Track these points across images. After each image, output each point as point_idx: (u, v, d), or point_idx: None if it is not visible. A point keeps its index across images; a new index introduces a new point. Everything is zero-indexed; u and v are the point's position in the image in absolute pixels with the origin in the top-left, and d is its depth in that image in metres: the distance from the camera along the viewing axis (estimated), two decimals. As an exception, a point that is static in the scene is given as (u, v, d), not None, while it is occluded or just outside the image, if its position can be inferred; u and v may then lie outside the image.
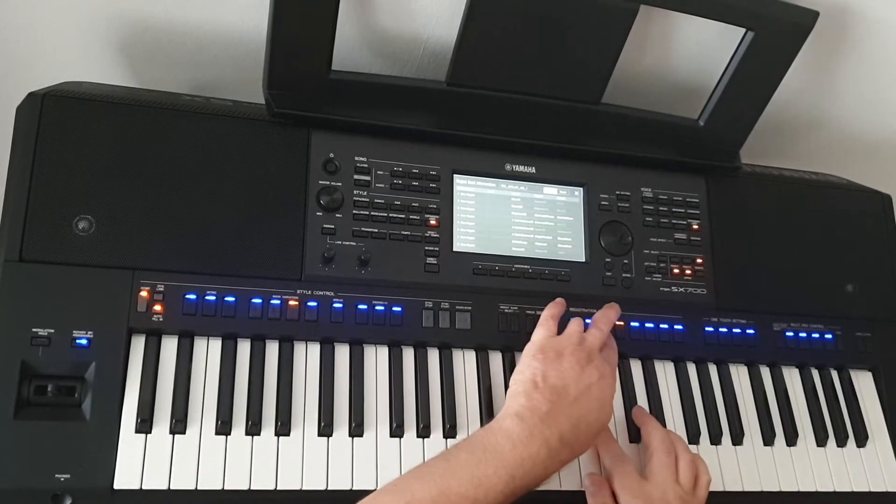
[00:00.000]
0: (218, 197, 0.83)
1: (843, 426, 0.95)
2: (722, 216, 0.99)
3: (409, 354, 0.85)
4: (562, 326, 0.84)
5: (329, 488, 0.76)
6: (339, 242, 0.85)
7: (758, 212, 1.00)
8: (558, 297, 0.87)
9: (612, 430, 0.86)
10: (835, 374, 0.98)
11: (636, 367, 0.91)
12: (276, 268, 0.82)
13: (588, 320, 0.87)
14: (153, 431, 0.75)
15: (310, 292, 0.83)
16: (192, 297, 0.79)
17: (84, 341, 0.75)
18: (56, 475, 0.70)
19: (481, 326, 0.86)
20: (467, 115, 0.92)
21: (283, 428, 0.77)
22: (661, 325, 0.92)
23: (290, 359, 0.81)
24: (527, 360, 0.79)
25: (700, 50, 0.98)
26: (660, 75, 1.01)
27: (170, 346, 0.79)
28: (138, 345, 0.77)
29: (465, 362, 0.86)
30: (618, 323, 0.90)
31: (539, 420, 0.73)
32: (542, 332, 0.83)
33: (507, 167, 0.93)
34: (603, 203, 0.95)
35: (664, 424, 0.88)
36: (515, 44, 0.88)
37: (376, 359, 0.84)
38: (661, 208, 0.96)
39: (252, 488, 0.75)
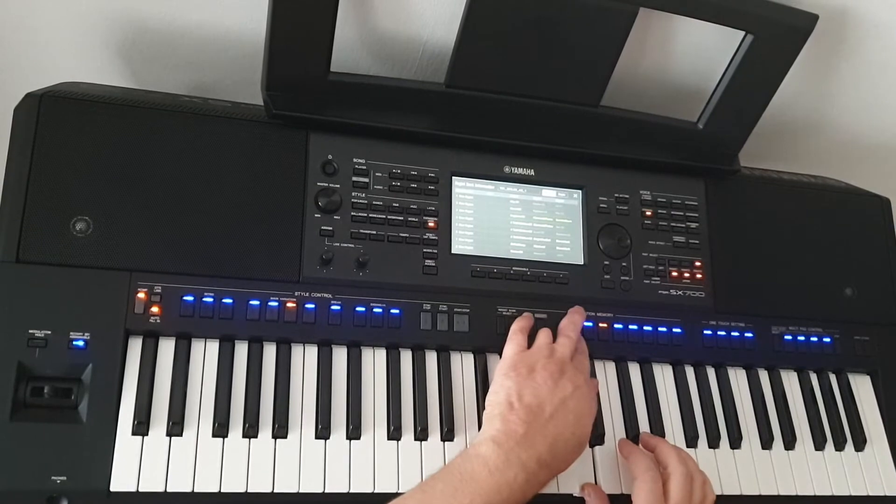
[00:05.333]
0: (216, 198, 0.82)
1: (841, 430, 0.95)
2: (721, 219, 0.99)
3: (406, 357, 0.85)
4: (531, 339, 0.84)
5: (326, 491, 0.76)
6: (338, 244, 0.85)
7: (757, 215, 1.00)
8: (525, 312, 0.87)
9: (610, 432, 0.86)
10: (833, 378, 0.98)
11: (634, 371, 0.91)
12: (273, 270, 0.82)
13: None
14: (150, 434, 0.74)
15: (308, 294, 0.82)
16: (190, 298, 0.79)
17: (81, 343, 0.75)
18: (52, 477, 0.70)
19: (479, 329, 0.86)
20: (466, 118, 0.92)
21: (280, 430, 0.77)
22: (660, 329, 0.92)
23: (288, 361, 0.81)
24: (500, 380, 0.78)
25: (699, 53, 0.97)
26: (659, 78, 1.01)
27: (167, 347, 0.79)
28: (135, 346, 0.77)
29: (463, 365, 0.86)
30: (616, 326, 0.90)
31: (516, 444, 0.72)
32: (512, 347, 0.82)
33: (506, 169, 0.93)
34: (602, 206, 0.94)
35: (663, 428, 0.88)
36: (514, 46, 0.88)
37: (374, 361, 0.84)
38: (659, 211, 0.96)
39: (249, 491, 0.74)
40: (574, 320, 0.86)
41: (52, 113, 0.80)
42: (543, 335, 0.84)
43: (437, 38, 0.94)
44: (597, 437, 0.85)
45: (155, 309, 0.78)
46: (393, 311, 0.84)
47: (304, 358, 0.82)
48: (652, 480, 0.77)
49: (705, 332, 0.94)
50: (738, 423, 0.91)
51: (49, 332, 0.74)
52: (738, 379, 0.94)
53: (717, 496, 0.84)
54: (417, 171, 0.89)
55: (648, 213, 0.96)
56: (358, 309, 0.83)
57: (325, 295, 0.83)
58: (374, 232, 0.86)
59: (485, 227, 0.91)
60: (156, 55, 0.97)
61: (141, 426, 0.74)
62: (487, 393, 0.79)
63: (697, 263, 0.96)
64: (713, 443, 0.89)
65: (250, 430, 0.77)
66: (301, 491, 0.76)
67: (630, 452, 0.82)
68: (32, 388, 0.73)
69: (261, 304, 0.81)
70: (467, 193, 0.91)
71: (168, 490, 0.73)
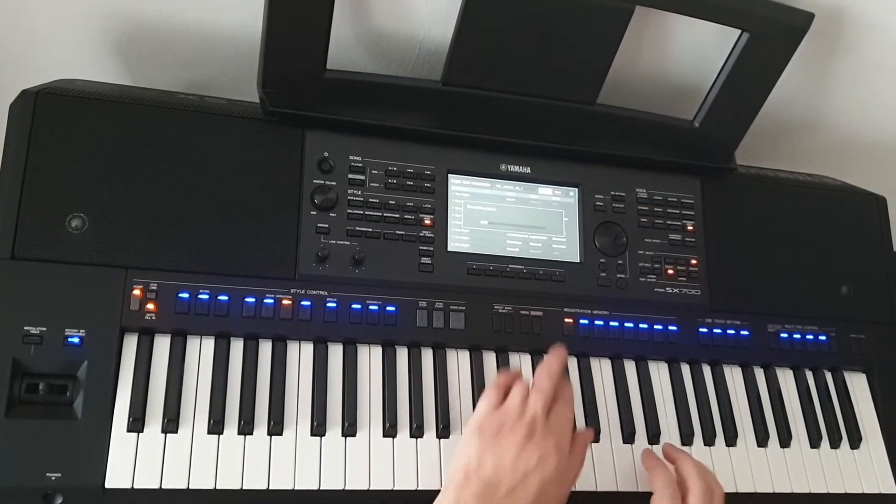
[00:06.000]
0: (212, 195, 0.82)
1: (836, 428, 0.95)
2: (717, 217, 0.99)
3: (402, 354, 0.85)
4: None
5: (321, 488, 0.76)
6: (334, 242, 0.85)
7: (752, 213, 1.00)
8: (512, 368, 0.85)
9: (606, 430, 0.86)
10: (829, 376, 0.98)
11: (630, 369, 0.91)
12: (269, 267, 0.82)
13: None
14: (145, 430, 0.74)
15: (303, 291, 0.82)
16: (185, 295, 0.79)
17: (76, 340, 0.75)
18: (47, 474, 0.70)
19: (475, 326, 0.86)
20: (462, 115, 0.92)
21: (275, 427, 0.77)
22: (656, 326, 0.92)
23: (284, 358, 0.81)
24: (465, 439, 0.75)
25: (695, 51, 0.97)
26: (655, 76, 1.01)
27: (162, 344, 0.79)
28: (131, 343, 0.77)
29: (458, 362, 0.86)
30: (611, 324, 0.90)
31: None
32: (484, 404, 0.77)
33: (503, 167, 0.93)
34: (598, 204, 0.94)
35: (658, 426, 0.88)
36: (511, 44, 0.88)
37: (370, 358, 0.84)
38: (655, 209, 0.96)
39: (244, 488, 0.74)
40: (550, 367, 0.79)
41: (47, 110, 0.80)
42: (516, 392, 0.77)
43: (434, 36, 0.94)
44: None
45: (150, 306, 0.78)
46: (389, 308, 0.84)
47: (300, 355, 0.82)
48: (671, 497, 0.76)
49: (701, 329, 0.94)
50: (734, 421, 0.91)
51: (44, 329, 0.74)
52: (733, 377, 0.94)
53: (713, 494, 0.84)
54: (414, 169, 0.89)
55: (645, 211, 0.96)
56: (354, 306, 0.83)
57: (321, 292, 0.83)
58: (370, 229, 0.86)
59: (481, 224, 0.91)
60: (152, 52, 0.97)
61: (136, 423, 0.74)
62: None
63: (693, 261, 0.96)
64: (709, 440, 0.89)
65: (246, 427, 0.77)
66: (296, 488, 0.76)
67: (653, 466, 0.81)
68: (28, 384, 0.73)
69: (256, 302, 0.81)
70: (463, 191, 0.91)
71: (163, 487, 0.73)
